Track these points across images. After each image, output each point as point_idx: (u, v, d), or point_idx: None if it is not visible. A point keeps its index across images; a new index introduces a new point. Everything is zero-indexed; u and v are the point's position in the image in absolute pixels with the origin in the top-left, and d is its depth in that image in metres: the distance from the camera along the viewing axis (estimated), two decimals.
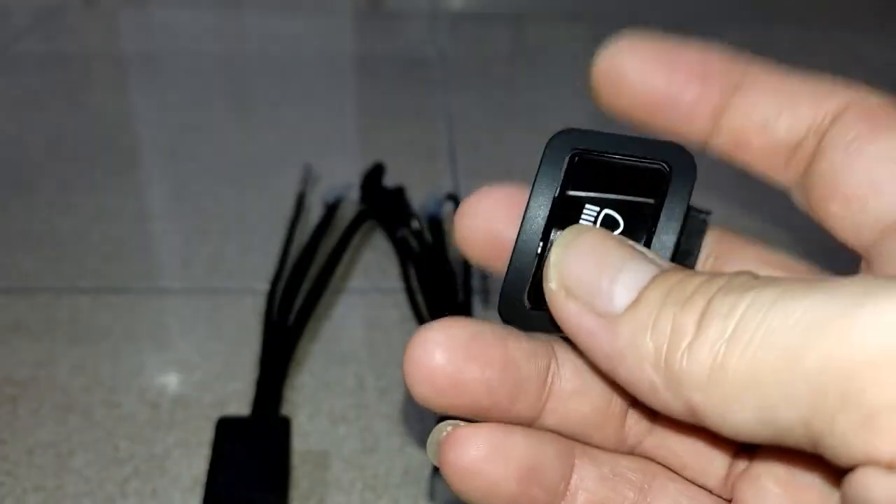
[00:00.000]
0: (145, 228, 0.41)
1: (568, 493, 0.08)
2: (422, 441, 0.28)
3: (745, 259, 0.09)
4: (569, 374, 0.09)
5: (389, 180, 0.42)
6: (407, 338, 0.33)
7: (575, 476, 0.08)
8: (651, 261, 0.07)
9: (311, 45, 0.70)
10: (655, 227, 0.08)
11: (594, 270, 0.07)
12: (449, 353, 0.08)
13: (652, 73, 0.08)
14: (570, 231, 0.08)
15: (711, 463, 0.08)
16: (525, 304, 0.08)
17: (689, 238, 0.09)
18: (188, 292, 0.36)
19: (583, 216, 0.08)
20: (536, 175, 0.09)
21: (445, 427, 0.08)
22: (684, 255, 0.09)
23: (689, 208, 0.08)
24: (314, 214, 0.41)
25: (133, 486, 0.26)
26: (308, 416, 0.29)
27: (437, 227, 0.38)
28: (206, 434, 0.28)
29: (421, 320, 0.33)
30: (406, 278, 0.35)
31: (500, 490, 0.08)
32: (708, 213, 0.09)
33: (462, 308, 0.33)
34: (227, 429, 0.26)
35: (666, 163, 0.08)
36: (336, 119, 0.56)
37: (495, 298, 0.09)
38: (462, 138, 0.52)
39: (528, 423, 0.09)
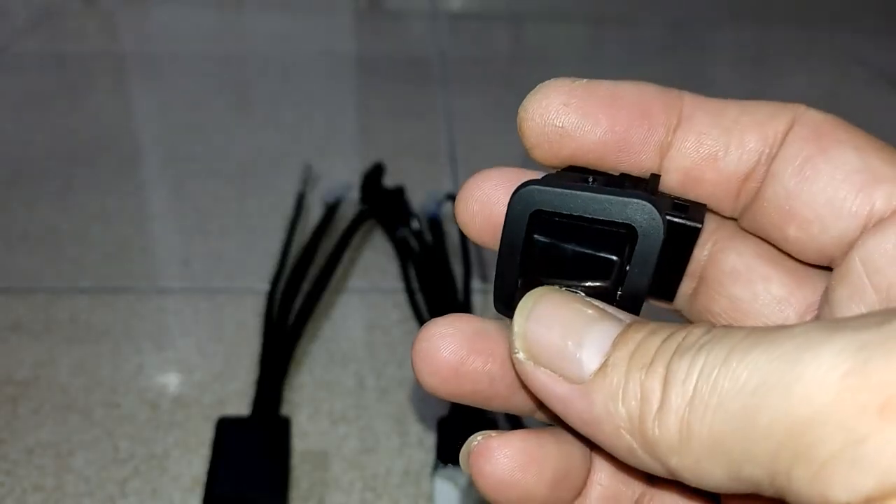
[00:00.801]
0: (145, 228, 0.41)
1: (584, 494, 0.08)
2: (420, 441, 0.28)
3: (742, 251, 0.09)
4: None
5: (389, 180, 0.42)
6: (407, 338, 0.33)
7: (592, 472, 0.08)
8: (613, 317, 0.07)
9: (311, 45, 0.70)
10: (624, 280, 0.08)
11: (559, 337, 0.07)
12: (454, 346, 0.08)
13: (592, 119, 0.08)
14: (530, 296, 0.08)
15: None
16: (517, 298, 0.08)
17: (677, 250, 0.08)
18: (188, 292, 0.36)
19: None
20: (504, 227, 0.08)
21: (477, 437, 0.08)
22: (666, 277, 0.09)
23: (678, 215, 0.08)
24: (314, 214, 0.41)
25: (133, 485, 0.26)
26: (308, 416, 0.29)
27: (437, 227, 0.38)
28: (206, 434, 0.28)
29: (421, 320, 0.33)
30: (406, 278, 0.35)
31: (533, 497, 0.08)
32: (700, 225, 0.08)
33: (462, 308, 0.33)
34: (227, 429, 0.26)
35: (630, 224, 0.08)
36: (336, 119, 0.55)
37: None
38: (462, 138, 0.52)
39: (529, 413, 0.09)
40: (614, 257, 0.08)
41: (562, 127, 0.08)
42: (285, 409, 0.29)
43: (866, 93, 0.63)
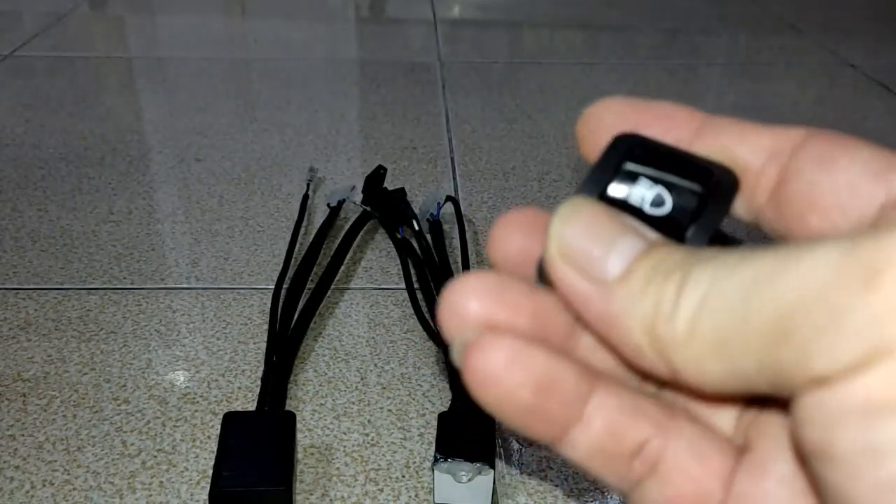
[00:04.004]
0: (153, 229, 0.42)
1: (584, 415, 0.08)
2: (421, 435, 0.29)
3: None
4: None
5: (391, 182, 0.43)
6: (408, 335, 0.34)
7: (594, 400, 0.08)
8: (641, 235, 0.08)
9: (315, 51, 0.71)
10: (698, 218, 0.08)
11: (590, 241, 0.08)
12: (482, 300, 0.08)
13: (632, 124, 0.09)
14: (568, 203, 0.08)
15: (721, 413, 0.09)
16: None
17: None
18: (195, 291, 0.37)
19: (632, 192, 0.09)
20: (604, 150, 0.09)
21: (470, 333, 0.08)
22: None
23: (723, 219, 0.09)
24: (318, 216, 0.42)
25: (141, 479, 0.26)
26: (312, 411, 0.30)
27: (438, 228, 0.39)
28: (213, 429, 0.28)
29: (421, 319, 0.34)
30: (407, 278, 0.36)
31: (516, 398, 0.08)
32: (739, 242, 0.09)
33: None
34: (233, 423, 0.26)
35: (715, 168, 0.09)
36: (339, 123, 0.56)
37: None
38: (461, 141, 0.53)
39: None
40: (699, 187, 0.09)
41: (606, 128, 0.10)
42: (290, 405, 0.30)
43: (858, 96, 0.64)
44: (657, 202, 0.09)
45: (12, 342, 0.33)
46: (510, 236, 0.10)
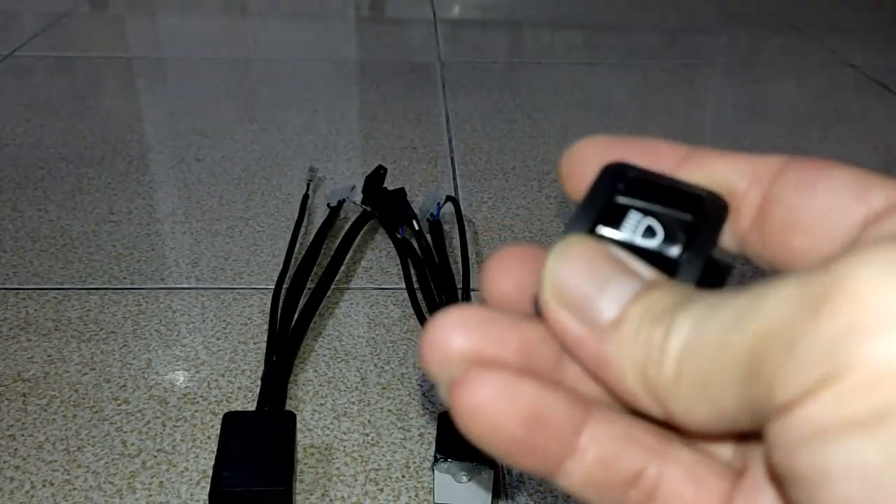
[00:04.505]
0: (153, 229, 0.42)
1: (579, 447, 0.08)
2: (421, 435, 0.29)
3: None
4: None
5: (391, 182, 0.43)
6: (408, 335, 0.34)
7: (588, 431, 0.08)
8: (636, 274, 0.08)
9: (315, 51, 0.71)
10: (690, 247, 0.09)
11: (584, 282, 0.08)
12: (466, 334, 0.08)
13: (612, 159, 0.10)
14: (563, 242, 0.08)
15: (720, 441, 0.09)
16: None
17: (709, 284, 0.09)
18: (195, 291, 0.37)
19: (624, 225, 0.09)
20: (592, 184, 0.09)
21: (458, 367, 0.08)
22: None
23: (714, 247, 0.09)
24: (318, 216, 0.42)
25: (141, 479, 0.26)
26: (312, 411, 0.30)
27: (437, 228, 0.39)
28: (213, 429, 0.28)
29: (421, 318, 0.34)
30: (407, 278, 0.36)
31: (505, 433, 0.08)
32: (731, 266, 0.09)
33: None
34: (233, 423, 0.26)
35: (704, 195, 0.09)
36: (339, 123, 0.56)
37: None
38: (461, 141, 0.53)
39: None
40: (689, 216, 0.09)
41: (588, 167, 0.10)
42: (290, 405, 0.30)
43: (857, 95, 0.64)
44: (648, 234, 0.09)
45: (12, 342, 0.33)
46: (504, 272, 0.09)
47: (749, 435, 0.09)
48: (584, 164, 0.10)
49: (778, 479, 0.07)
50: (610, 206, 0.09)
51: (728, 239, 0.09)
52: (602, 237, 0.09)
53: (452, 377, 0.08)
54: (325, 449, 0.28)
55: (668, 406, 0.08)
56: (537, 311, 0.09)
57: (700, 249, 0.09)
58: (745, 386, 0.07)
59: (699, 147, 0.10)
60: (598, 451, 0.08)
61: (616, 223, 0.09)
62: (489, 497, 0.25)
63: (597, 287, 0.08)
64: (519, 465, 0.08)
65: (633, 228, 0.09)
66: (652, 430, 0.09)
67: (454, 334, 0.08)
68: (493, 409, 0.08)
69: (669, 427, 0.09)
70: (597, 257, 0.08)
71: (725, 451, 0.09)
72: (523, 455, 0.08)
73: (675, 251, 0.09)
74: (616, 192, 0.09)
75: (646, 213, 0.09)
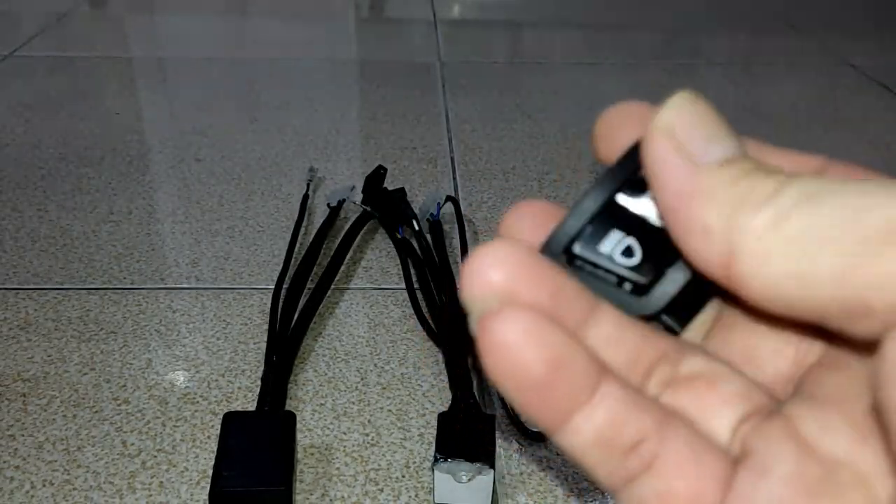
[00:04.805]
0: (153, 229, 0.42)
1: (592, 401, 0.08)
2: (421, 435, 0.29)
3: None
4: (607, 322, 0.09)
5: (391, 182, 0.43)
6: (408, 335, 0.34)
7: (601, 389, 0.08)
8: (746, 149, 0.08)
9: (315, 51, 0.71)
10: (666, 271, 0.09)
11: (700, 127, 0.08)
12: (507, 270, 0.08)
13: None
14: (689, 94, 0.08)
15: (719, 421, 0.09)
16: (571, 246, 0.09)
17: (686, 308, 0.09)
18: (195, 291, 0.37)
19: (646, 194, 0.09)
20: (621, 155, 0.09)
21: (490, 302, 0.08)
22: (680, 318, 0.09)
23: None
24: (318, 216, 0.42)
25: (141, 479, 0.26)
26: (312, 411, 0.30)
27: (437, 228, 0.39)
28: (214, 429, 0.28)
29: (421, 319, 0.34)
30: (407, 278, 0.36)
31: (528, 371, 0.08)
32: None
33: (462, 307, 0.34)
34: (233, 423, 0.26)
35: None
36: (339, 123, 0.56)
37: None
38: (461, 141, 0.53)
39: None
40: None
41: (622, 133, 0.10)
42: (290, 405, 0.30)
43: (857, 95, 0.64)
44: (627, 253, 0.09)
45: (12, 342, 0.33)
46: (524, 219, 0.09)
47: (750, 416, 0.08)
48: (618, 127, 0.10)
49: (886, 407, 0.07)
50: (635, 179, 0.09)
51: None
52: (619, 205, 0.09)
53: (485, 310, 0.08)
54: (325, 449, 0.28)
55: (737, 254, 0.07)
56: (545, 249, 0.09)
57: (676, 275, 0.09)
58: (871, 258, 0.06)
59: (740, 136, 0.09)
60: (607, 409, 0.08)
61: (638, 192, 0.09)
62: (489, 497, 0.25)
63: (709, 135, 0.08)
64: (530, 408, 0.08)
65: (648, 204, 0.09)
66: (658, 405, 0.09)
67: (496, 269, 0.08)
68: (520, 347, 0.08)
69: (726, 298, 0.09)
70: (714, 114, 0.08)
71: (723, 435, 0.09)
72: (538, 399, 0.08)
73: (653, 269, 0.09)
74: (640, 167, 0.09)
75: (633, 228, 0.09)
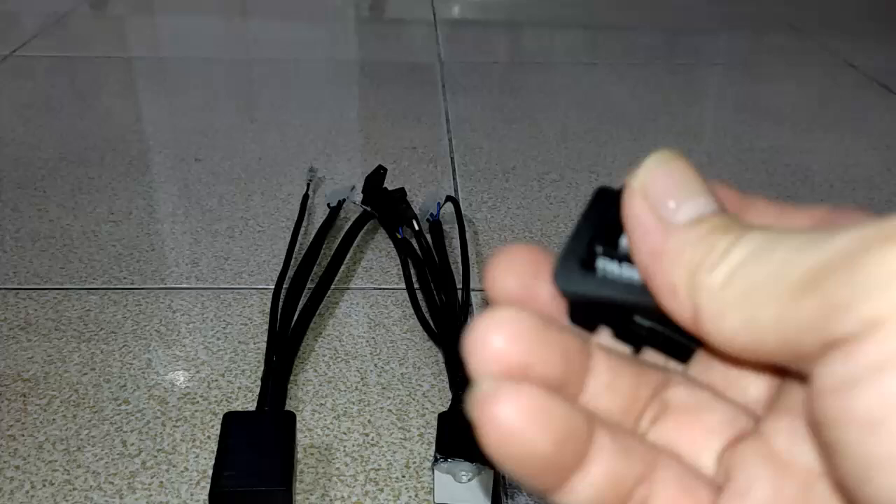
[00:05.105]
0: (153, 229, 0.42)
1: (587, 461, 0.08)
2: (421, 435, 0.29)
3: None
4: (603, 370, 0.09)
5: (391, 182, 0.43)
6: (408, 335, 0.34)
7: (594, 447, 0.08)
8: (714, 201, 0.09)
9: (315, 51, 0.71)
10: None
11: (672, 187, 0.09)
12: (518, 341, 0.08)
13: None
14: (663, 152, 0.09)
15: (705, 451, 0.09)
16: (577, 271, 0.09)
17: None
18: (195, 291, 0.37)
19: (621, 239, 0.09)
20: (587, 208, 0.10)
21: (487, 383, 0.08)
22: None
23: None
24: (318, 216, 0.42)
25: (141, 479, 0.26)
26: (312, 411, 0.30)
27: (438, 228, 0.39)
28: (214, 429, 0.28)
29: (421, 319, 0.34)
30: (407, 278, 0.36)
31: (536, 452, 0.08)
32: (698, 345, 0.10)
33: (462, 307, 0.34)
34: (233, 423, 0.26)
35: None
36: (339, 123, 0.56)
37: None
38: (461, 141, 0.53)
39: None
40: None
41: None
42: (290, 405, 0.30)
43: (857, 95, 0.64)
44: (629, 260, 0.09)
45: (12, 342, 0.33)
46: (509, 273, 0.10)
47: (735, 441, 0.09)
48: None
49: (819, 424, 0.07)
50: (604, 227, 0.09)
51: None
52: (598, 258, 0.09)
53: (484, 391, 0.08)
54: (325, 449, 0.28)
55: (700, 309, 0.08)
56: (573, 317, 0.09)
57: None
58: (792, 305, 0.07)
59: (750, 197, 0.10)
60: (603, 465, 0.08)
61: (613, 243, 0.09)
62: (489, 497, 0.25)
63: (679, 195, 0.09)
64: (530, 482, 0.08)
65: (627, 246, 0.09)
66: (646, 443, 0.09)
67: (505, 341, 0.08)
68: (525, 430, 0.08)
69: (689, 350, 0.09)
70: (688, 173, 0.09)
71: (708, 465, 0.09)
72: (540, 473, 0.08)
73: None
74: (609, 214, 0.09)
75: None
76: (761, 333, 0.07)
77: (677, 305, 0.08)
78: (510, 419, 0.08)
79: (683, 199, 0.09)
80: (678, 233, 0.08)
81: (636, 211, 0.09)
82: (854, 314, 0.06)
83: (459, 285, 0.35)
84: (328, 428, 0.29)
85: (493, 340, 0.08)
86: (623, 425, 0.09)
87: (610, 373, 0.09)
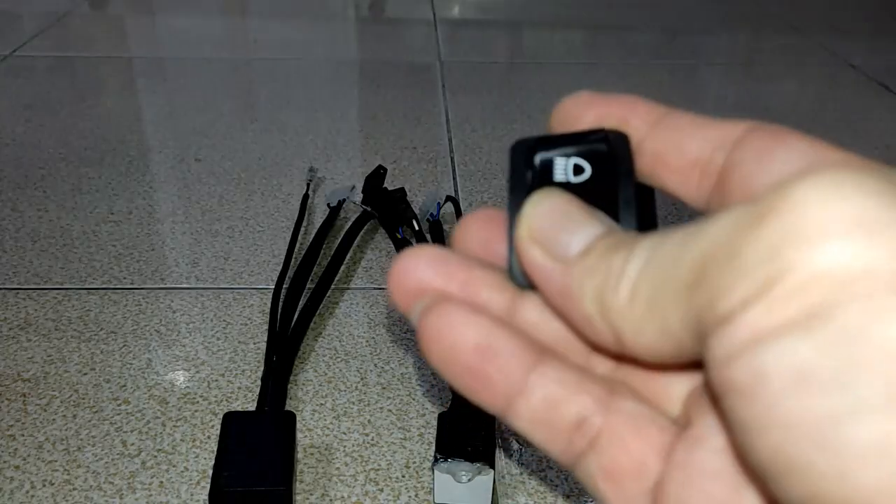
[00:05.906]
0: (153, 229, 0.42)
1: (527, 386, 0.09)
2: (421, 435, 0.29)
3: None
4: (532, 309, 0.10)
5: (391, 182, 0.43)
6: (408, 335, 0.34)
7: (537, 372, 0.09)
8: (601, 222, 0.09)
9: (315, 51, 0.71)
10: (616, 170, 0.10)
11: (557, 225, 0.09)
12: (419, 267, 0.09)
13: (597, 114, 0.10)
14: (540, 192, 0.09)
15: (670, 393, 0.09)
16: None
17: (644, 207, 0.10)
18: (195, 291, 0.37)
19: (556, 171, 0.10)
20: (509, 160, 0.10)
21: (431, 297, 0.09)
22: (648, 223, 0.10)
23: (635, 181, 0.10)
24: (318, 216, 0.42)
25: (141, 479, 0.27)
26: (312, 411, 0.30)
27: (438, 228, 0.39)
28: (214, 429, 0.28)
29: None
30: None
31: (458, 359, 0.09)
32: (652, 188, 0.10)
33: None
34: (233, 423, 0.26)
35: (607, 131, 0.10)
36: (339, 123, 0.56)
37: None
38: (461, 141, 0.53)
39: None
40: (604, 147, 0.10)
41: (579, 119, 0.11)
42: (290, 405, 0.30)
43: (858, 96, 0.64)
44: (578, 172, 0.10)
45: (12, 342, 0.33)
46: (471, 232, 0.10)
47: (697, 365, 0.09)
48: (571, 116, 0.10)
49: (716, 398, 0.07)
50: (534, 167, 0.10)
51: (696, 200, 0.10)
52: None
53: (422, 306, 0.09)
54: (325, 449, 0.28)
55: (619, 331, 0.08)
56: (511, 275, 0.10)
57: (625, 171, 0.10)
58: (688, 301, 0.07)
59: (675, 111, 0.10)
60: (544, 392, 0.09)
61: (548, 175, 0.10)
62: (489, 497, 0.25)
63: (567, 228, 0.09)
64: (476, 397, 0.09)
65: (563, 172, 0.10)
66: (600, 381, 0.09)
67: (420, 268, 0.09)
68: (451, 335, 0.09)
69: (624, 360, 0.09)
70: (568, 205, 0.09)
71: (673, 406, 0.09)
72: (477, 386, 0.09)
73: (607, 176, 0.10)
74: (534, 153, 0.10)
75: (568, 156, 0.10)
76: (677, 337, 0.08)
77: (598, 335, 0.08)
78: (438, 326, 0.09)
79: (572, 231, 0.09)
80: (576, 266, 0.09)
81: (533, 261, 0.09)
82: (733, 294, 0.07)
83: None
84: (328, 428, 0.29)
85: (408, 271, 0.09)
86: (574, 360, 0.09)
87: (539, 313, 0.10)
